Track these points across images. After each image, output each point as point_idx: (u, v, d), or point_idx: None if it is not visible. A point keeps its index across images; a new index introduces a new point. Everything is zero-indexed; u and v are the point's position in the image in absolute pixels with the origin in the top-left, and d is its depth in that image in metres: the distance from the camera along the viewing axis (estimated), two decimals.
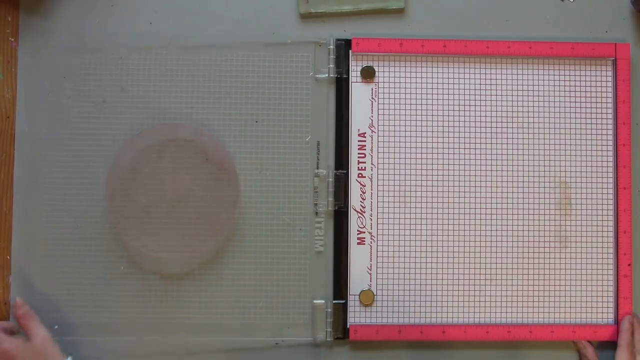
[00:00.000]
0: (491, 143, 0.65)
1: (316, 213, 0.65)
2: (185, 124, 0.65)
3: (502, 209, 0.65)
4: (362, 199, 0.65)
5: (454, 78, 0.66)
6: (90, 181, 0.65)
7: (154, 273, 0.64)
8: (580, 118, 0.66)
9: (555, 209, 0.65)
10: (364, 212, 0.65)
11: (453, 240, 0.65)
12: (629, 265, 0.64)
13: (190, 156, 0.65)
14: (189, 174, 0.64)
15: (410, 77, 0.66)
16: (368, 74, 0.65)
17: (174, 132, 0.65)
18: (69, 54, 0.66)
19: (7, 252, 0.65)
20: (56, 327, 0.64)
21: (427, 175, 0.65)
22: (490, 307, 0.64)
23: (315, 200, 0.65)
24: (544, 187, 0.65)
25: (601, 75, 0.66)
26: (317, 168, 0.65)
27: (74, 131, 0.65)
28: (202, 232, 0.64)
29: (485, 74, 0.66)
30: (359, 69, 0.65)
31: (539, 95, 0.66)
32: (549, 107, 0.66)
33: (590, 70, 0.66)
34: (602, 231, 0.65)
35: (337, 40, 0.65)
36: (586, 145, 0.66)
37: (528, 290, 0.64)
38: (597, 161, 0.65)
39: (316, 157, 0.65)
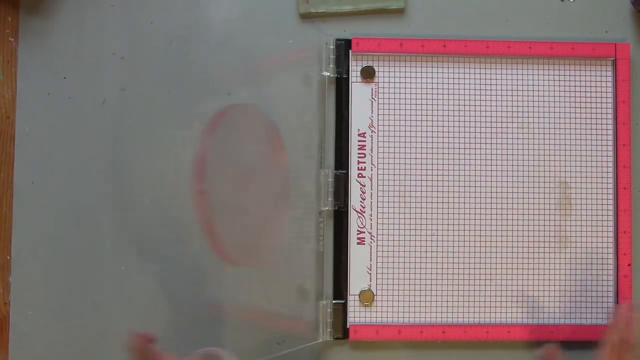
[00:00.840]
0: (491, 143, 0.65)
1: (317, 213, 0.65)
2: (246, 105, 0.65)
3: (502, 208, 0.65)
4: (362, 199, 0.65)
5: (454, 78, 0.66)
6: (91, 180, 0.65)
7: (156, 272, 0.65)
8: (580, 118, 0.66)
9: (555, 209, 0.65)
10: (364, 212, 0.65)
11: (453, 240, 0.65)
12: (629, 265, 0.64)
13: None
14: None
15: (410, 77, 0.66)
16: (368, 74, 0.65)
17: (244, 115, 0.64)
18: (69, 54, 0.66)
19: (7, 252, 0.65)
20: (65, 324, 0.64)
21: (427, 175, 0.65)
22: (490, 307, 0.64)
23: (316, 201, 0.65)
24: (544, 187, 0.65)
25: (601, 75, 0.66)
26: (318, 168, 0.65)
27: (74, 131, 0.65)
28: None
29: (485, 74, 0.66)
30: (359, 69, 0.65)
31: (539, 95, 0.66)
32: (549, 107, 0.66)
33: (590, 70, 0.66)
34: (602, 231, 0.65)
35: (337, 40, 0.65)
36: (586, 145, 0.66)
37: (528, 290, 0.64)
38: (597, 161, 0.65)
39: (318, 157, 0.65)
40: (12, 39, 0.66)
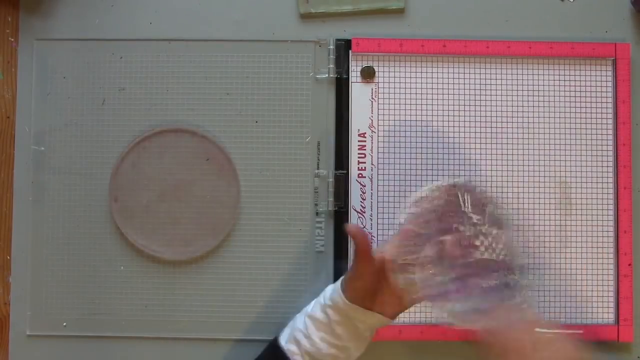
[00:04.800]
0: (491, 143, 0.65)
1: (316, 213, 0.65)
2: (187, 127, 0.65)
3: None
4: (362, 199, 0.65)
5: (454, 78, 0.66)
6: (90, 181, 0.65)
7: (155, 273, 0.65)
8: (580, 118, 0.66)
9: (555, 209, 0.65)
10: (364, 212, 0.65)
11: None
12: (629, 265, 0.64)
13: (192, 158, 0.65)
14: (190, 176, 0.65)
15: (410, 77, 0.66)
16: (368, 74, 0.65)
17: (177, 134, 0.65)
18: (69, 55, 0.66)
19: (7, 252, 0.65)
20: (64, 324, 0.64)
21: (427, 175, 0.65)
22: None
23: (316, 200, 0.65)
24: (544, 187, 0.65)
25: (601, 75, 0.66)
26: (318, 168, 0.65)
27: (74, 131, 0.65)
28: (203, 232, 0.64)
29: (485, 74, 0.66)
30: (359, 69, 0.65)
31: (539, 95, 0.66)
32: (549, 107, 0.66)
33: (590, 70, 0.66)
34: (602, 231, 0.65)
35: (337, 40, 0.65)
36: (586, 145, 0.66)
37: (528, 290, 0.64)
38: (597, 161, 0.65)
39: (316, 157, 0.65)
40: (12, 39, 0.66)
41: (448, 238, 0.53)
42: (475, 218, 0.53)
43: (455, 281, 0.53)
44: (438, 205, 0.53)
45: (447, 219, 0.53)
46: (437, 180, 0.54)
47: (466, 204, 0.53)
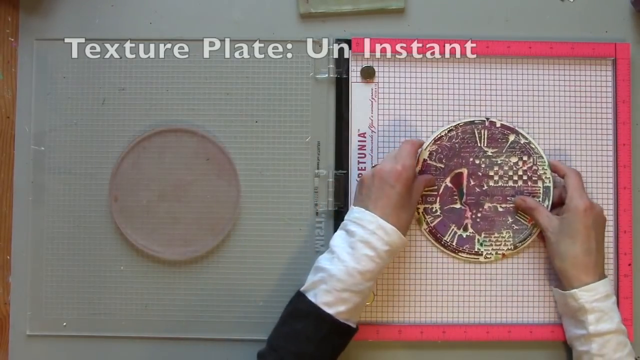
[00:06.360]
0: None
1: (316, 213, 0.65)
2: (187, 127, 0.65)
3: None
4: None
5: (454, 78, 0.66)
6: (90, 181, 0.65)
7: (155, 273, 0.65)
8: (580, 118, 0.66)
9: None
10: None
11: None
12: (629, 265, 0.64)
13: (192, 158, 0.65)
14: (190, 176, 0.65)
15: (410, 77, 0.66)
16: (368, 74, 0.65)
17: (177, 134, 0.65)
18: (69, 54, 0.66)
19: (7, 252, 0.65)
20: (64, 324, 0.64)
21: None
22: (490, 307, 0.64)
23: (316, 200, 0.65)
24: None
25: (601, 75, 0.66)
26: (318, 168, 0.65)
27: (74, 131, 0.65)
28: (203, 232, 0.64)
29: (485, 74, 0.66)
30: (359, 69, 0.65)
31: (539, 95, 0.66)
32: (548, 107, 0.66)
33: (590, 70, 0.66)
34: None
35: (337, 40, 0.65)
36: (586, 145, 0.66)
37: (528, 290, 0.64)
38: (597, 161, 0.65)
39: (316, 157, 0.65)
40: (12, 39, 0.66)
41: (464, 171, 0.63)
42: (490, 151, 0.62)
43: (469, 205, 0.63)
44: (455, 142, 0.63)
45: (464, 154, 0.63)
46: (455, 120, 0.64)
47: (482, 140, 0.62)
